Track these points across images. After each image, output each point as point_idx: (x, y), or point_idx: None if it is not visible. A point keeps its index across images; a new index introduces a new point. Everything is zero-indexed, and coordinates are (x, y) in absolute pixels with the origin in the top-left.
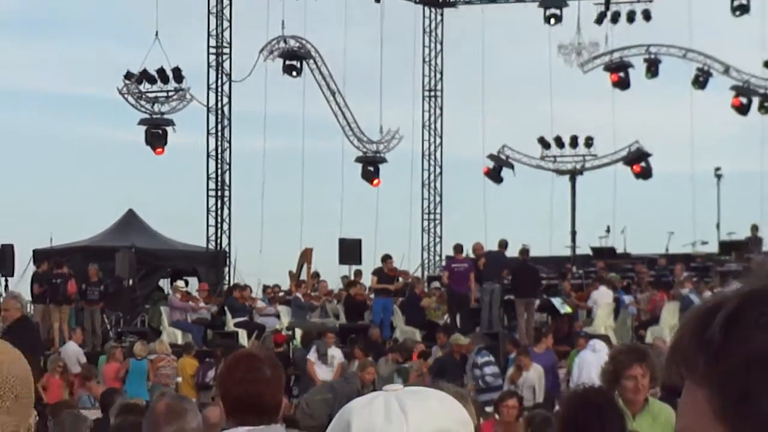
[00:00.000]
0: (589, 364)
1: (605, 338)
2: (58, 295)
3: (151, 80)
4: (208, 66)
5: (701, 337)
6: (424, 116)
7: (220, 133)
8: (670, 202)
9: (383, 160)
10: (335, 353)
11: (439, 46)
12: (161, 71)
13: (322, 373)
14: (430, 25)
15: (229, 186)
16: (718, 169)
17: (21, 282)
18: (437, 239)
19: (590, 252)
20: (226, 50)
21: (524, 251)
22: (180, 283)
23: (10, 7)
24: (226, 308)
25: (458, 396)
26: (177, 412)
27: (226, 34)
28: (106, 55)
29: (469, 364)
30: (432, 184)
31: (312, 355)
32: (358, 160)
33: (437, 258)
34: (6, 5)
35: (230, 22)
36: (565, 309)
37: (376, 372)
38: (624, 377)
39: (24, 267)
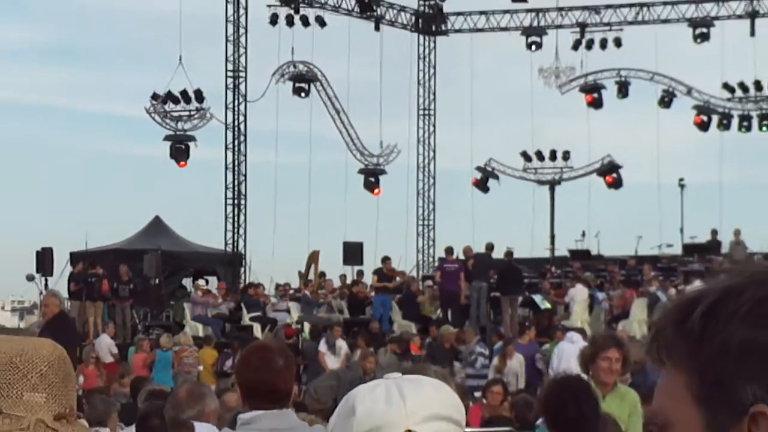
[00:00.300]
0: (568, 354)
1: (581, 331)
2: (93, 293)
3: (175, 101)
4: (226, 88)
5: (682, 327)
6: (419, 132)
7: (236, 148)
8: (639, 209)
9: (383, 172)
10: (341, 344)
11: (432, 70)
12: (184, 93)
13: (331, 362)
14: (424, 51)
15: (245, 195)
16: (681, 179)
17: (59, 281)
18: (431, 242)
19: (567, 254)
20: (242, 74)
21: (509, 253)
22: (201, 281)
23: (51, 38)
24: (242, 304)
25: (440, 375)
26: (197, 396)
27: (242, 59)
28: (135, 78)
29: (466, 351)
30: (426, 193)
31: (322, 347)
32: (360, 171)
33: (430, 259)
34: (47, 36)
35: (246, 48)
36: (545, 305)
37: (375, 361)
38: (600, 358)
39: (62, 268)
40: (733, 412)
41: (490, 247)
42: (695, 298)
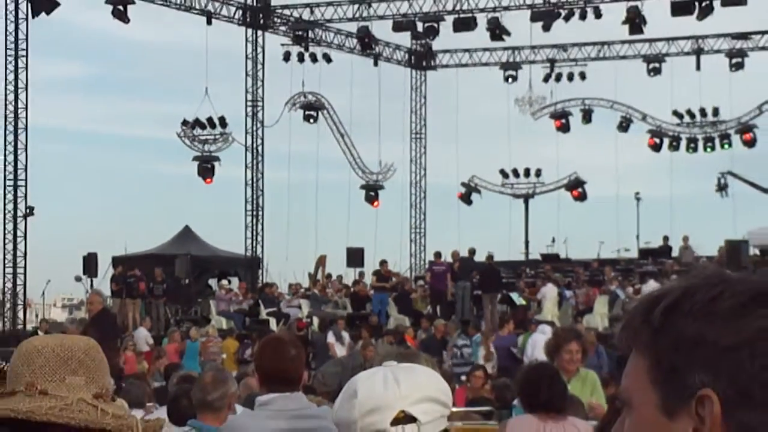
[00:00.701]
0: (539, 343)
1: (551, 323)
2: (132, 292)
3: (202, 126)
4: (246, 115)
5: (647, 319)
6: (411, 153)
7: (255, 167)
8: (601, 218)
9: (381, 187)
10: (345, 335)
11: (423, 100)
12: (210, 119)
13: (339, 350)
14: (416, 83)
15: (262, 208)
16: (637, 193)
17: (103, 282)
18: (422, 248)
19: (540, 257)
20: (260, 103)
21: (489, 257)
22: (224, 282)
23: (92, 71)
24: (260, 301)
25: (430, 363)
26: (221, 380)
27: (260, 90)
28: (167, 107)
29: (450, 344)
30: (418, 206)
31: (330, 338)
32: (362, 187)
33: (422, 262)
34: (88, 69)
35: (263, 81)
36: (521, 301)
37: (375, 350)
38: (563, 350)
39: (105, 270)
40: (683, 395)
41: (472, 252)
42: (660, 295)
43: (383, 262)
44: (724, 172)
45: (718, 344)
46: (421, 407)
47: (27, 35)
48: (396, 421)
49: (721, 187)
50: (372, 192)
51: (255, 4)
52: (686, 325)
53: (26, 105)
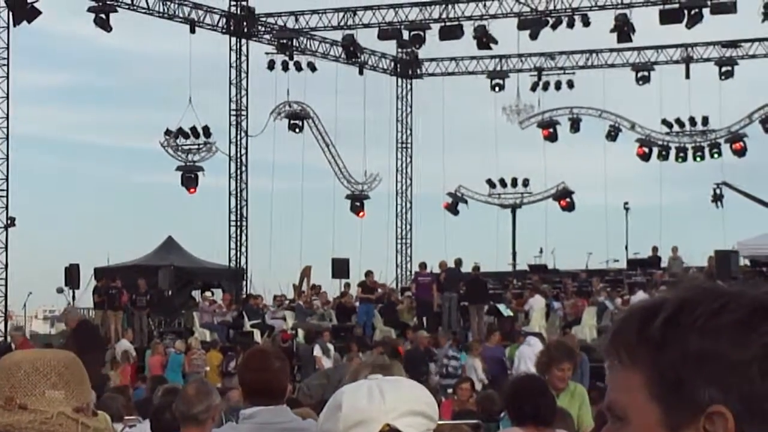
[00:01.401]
0: (525, 356)
1: (538, 335)
2: (114, 303)
3: (186, 136)
4: (230, 124)
5: (644, 333)
6: (397, 163)
7: (239, 177)
8: (589, 229)
9: (366, 197)
10: (330, 347)
11: (409, 109)
12: (193, 129)
13: (326, 363)
14: (402, 92)
15: (246, 218)
16: (626, 203)
17: (85, 293)
18: (408, 258)
19: (527, 268)
20: (244, 112)
21: (476, 268)
22: (208, 293)
23: (74, 81)
24: (244, 313)
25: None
26: (205, 393)
27: (244, 100)
28: (150, 116)
29: (441, 354)
30: (404, 216)
31: (317, 351)
32: (347, 197)
33: (408, 273)
34: (70, 79)
35: (247, 90)
36: (508, 312)
37: (361, 362)
38: (555, 368)
39: (87, 281)
40: (689, 410)
41: (458, 263)
42: (654, 307)
43: (369, 273)
44: (719, 183)
45: (727, 360)
46: (406, 420)
47: (8, 44)
48: None
49: (717, 198)
50: (357, 202)
51: (239, 12)
52: (692, 340)
53: (7, 114)
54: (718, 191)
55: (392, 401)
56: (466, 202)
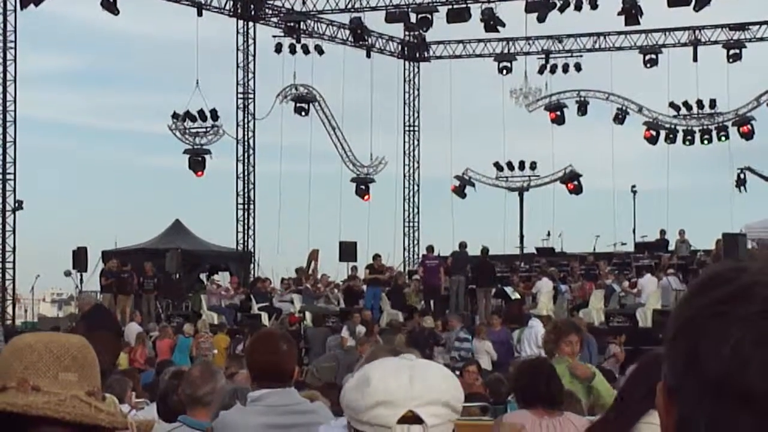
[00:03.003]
0: (532, 338)
1: (548, 318)
2: (126, 287)
3: (193, 119)
4: (237, 108)
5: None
6: (404, 146)
7: (246, 160)
8: (597, 212)
9: (372, 181)
10: (361, 329)
11: (416, 92)
12: (201, 112)
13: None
14: (409, 75)
15: (254, 201)
16: (633, 186)
17: (93, 276)
18: (415, 242)
19: (534, 251)
20: (251, 95)
21: (485, 251)
22: (216, 276)
23: (83, 64)
24: (251, 296)
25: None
26: (211, 374)
27: (251, 83)
28: (158, 100)
29: (452, 337)
30: (411, 199)
31: (345, 333)
32: (353, 180)
33: (415, 256)
34: (78, 62)
35: (254, 73)
36: (515, 296)
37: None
38: (563, 342)
39: (95, 264)
40: (686, 401)
41: (464, 245)
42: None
43: (376, 256)
44: (743, 168)
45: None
46: (430, 410)
47: (15, 27)
48: (403, 420)
49: (741, 182)
50: (363, 186)
51: None
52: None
53: (14, 98)
54: (742, 176)
55: (420, 389)
56: (473, 185)
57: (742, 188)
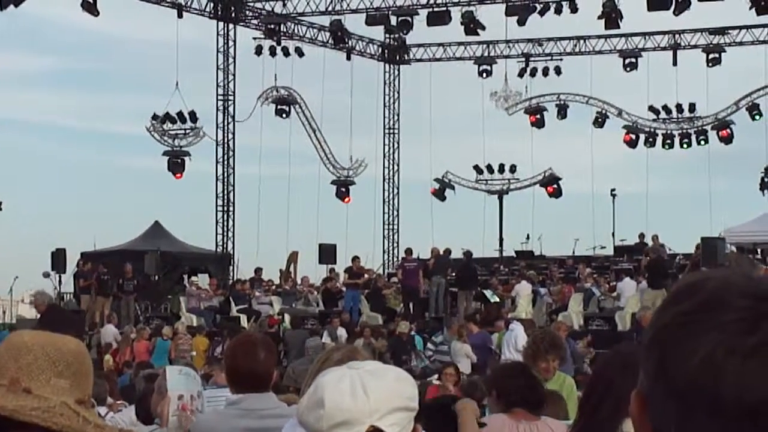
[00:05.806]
0: (511, 342)
1: (529, 321)
2: (105, 290)
3: (172, 120)
4: (217, 110)
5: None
6: (384, 148)
7: (226, 162)
8: (576, 215)
9: (352, 183)
10: (341, 333)
11: (396, 94)
12: (180, 114)
13: None
14: (389, 78)
15: (233, 203)
16: (613, 189)
17: (71, 278)
18: (395, 244)
19: (514, 254)
20: (231, 97)
21: (467, 254)
22: (195, 278)
23: (60, 65)
24: (230, 298)
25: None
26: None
27: (231, 85)
28: (137, 101)
29: (429, 344)
30: (391, 201)
31: (326, 338)
32: (333, 182)
33: (395, 259)
34: (56, 63)
35: (234, 75)
36: (494, 298)
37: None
38: (541, 360)
39: (74, 266)
40: (657, 413)
41: (448, 252)
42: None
43: (355, 258)
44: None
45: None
46: (390, 419)
47: None
48: None
49: (765, 186)
50: (343, 188)
51: None
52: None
53: None
54: (766, 179)
55: (376, 399)
56: (453, 188)
57: (765, 191)
